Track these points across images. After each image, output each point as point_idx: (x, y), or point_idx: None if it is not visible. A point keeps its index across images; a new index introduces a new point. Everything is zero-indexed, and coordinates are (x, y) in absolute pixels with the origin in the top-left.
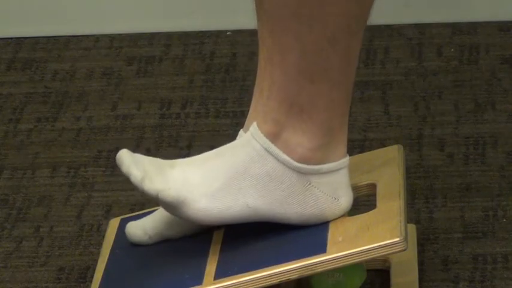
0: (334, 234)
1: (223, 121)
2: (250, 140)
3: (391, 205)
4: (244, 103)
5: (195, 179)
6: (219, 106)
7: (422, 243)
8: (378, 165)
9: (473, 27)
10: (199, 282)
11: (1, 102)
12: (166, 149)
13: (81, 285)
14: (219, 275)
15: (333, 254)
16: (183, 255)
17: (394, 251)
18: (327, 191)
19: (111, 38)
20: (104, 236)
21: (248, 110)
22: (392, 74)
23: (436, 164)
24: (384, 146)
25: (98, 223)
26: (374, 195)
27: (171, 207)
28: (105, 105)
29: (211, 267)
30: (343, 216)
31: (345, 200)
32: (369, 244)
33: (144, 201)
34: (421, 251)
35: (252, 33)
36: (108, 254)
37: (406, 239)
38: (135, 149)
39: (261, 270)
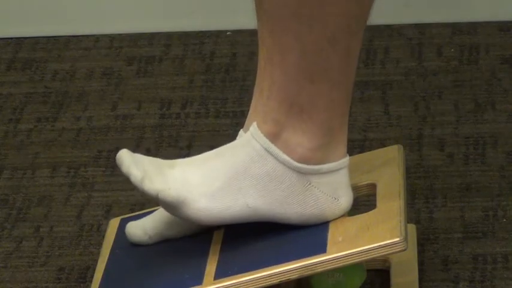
0: (334, 234)
1: (223, 121)
2: (250, 140)
3: (391, 205)
4: (244, 103)
5: (195, 179)
6: (219, 106)
7: (422, 243)
8: (378, 165)
9: (473, 27)
10: (199, 282)
11: (1, 102)
12: (166, 149)
13: (81, 285)
14: (219, 275)
15: (333, 254)
16: (183, 255)
17: (394, 251)
18: (327, 191)
19: (111, 38)
20: (104, 236)
21: (248, 110)
22: (392, 74)
23: (436, 164)
24: (384, 146)
25: (98, 223)
26: (374, 195)
27: (171, 207)
28: (105, 105)
29: (211, 267)
30: (343, 216)
31: (345, 200)
32: (369, 244)
33: (144, 201)
34: (421, 251)
35: (252, 33)
36: (108, 254)
37: (406, 239)
38: (135, 149)
39: (261, 270)
